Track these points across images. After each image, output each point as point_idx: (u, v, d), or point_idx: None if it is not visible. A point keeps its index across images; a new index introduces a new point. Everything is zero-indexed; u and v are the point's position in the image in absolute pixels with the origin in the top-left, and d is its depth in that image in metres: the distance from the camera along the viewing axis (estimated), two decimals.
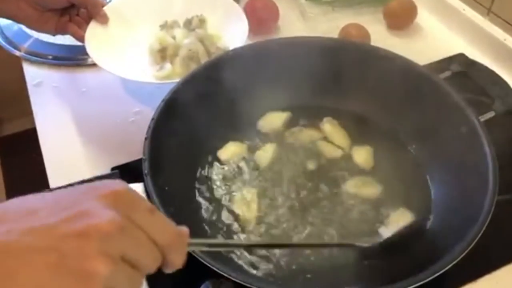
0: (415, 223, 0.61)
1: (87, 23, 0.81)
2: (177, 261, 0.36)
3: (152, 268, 0.35)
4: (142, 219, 0.34)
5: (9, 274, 0.29)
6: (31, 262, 0.29)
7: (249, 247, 0.58)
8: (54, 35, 0.81)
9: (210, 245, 0.46)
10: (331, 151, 0.71)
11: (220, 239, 0.59)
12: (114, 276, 0.31)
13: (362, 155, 0.69)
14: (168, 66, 0.81)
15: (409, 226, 0.60)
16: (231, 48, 0.77)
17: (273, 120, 0.74)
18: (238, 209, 0.64)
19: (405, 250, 0.58)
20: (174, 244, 0.36)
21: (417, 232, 0.60)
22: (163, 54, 0.83)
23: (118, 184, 0.35)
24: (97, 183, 0.35)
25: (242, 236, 0.61)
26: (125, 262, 0.32)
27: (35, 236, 0.30)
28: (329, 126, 0.73)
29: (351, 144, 0.71)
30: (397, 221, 0.61)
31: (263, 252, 0.59)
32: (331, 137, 0.72)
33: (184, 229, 0.37)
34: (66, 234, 0.30)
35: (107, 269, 0.30)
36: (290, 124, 0.74)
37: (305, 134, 0.73)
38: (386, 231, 0.57)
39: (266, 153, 0.70)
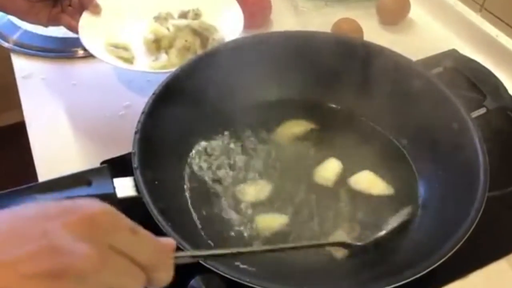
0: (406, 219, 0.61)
1: (80, 13, 0.79)
2: (164, 278, 0.33)
3: None
4: (123, 242, 0.30)
5: None
6: None
7: (237, 255, 0.52)
8: (46, 26, 0.80)
9: (194, 257, 0.41)
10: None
11: (206, 250, 0.56)
12: None
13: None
14: (163, 56, 0.80)
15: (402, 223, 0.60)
16: (226, 40, 0.76)
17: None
18: None
19: (395, 247, 0.58)
20: (159, 262, 0.32)
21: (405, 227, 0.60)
22: (157, 44, 0.83)
23: (91, 205, 0.29)
24: (66, 203, 0.29)
25: (233, 231, 0.61)
26: None
27: None
28: None
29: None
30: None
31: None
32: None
33: (170, 243, 0.34)
34: (30, 274, 0.25)
35: None
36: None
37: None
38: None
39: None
